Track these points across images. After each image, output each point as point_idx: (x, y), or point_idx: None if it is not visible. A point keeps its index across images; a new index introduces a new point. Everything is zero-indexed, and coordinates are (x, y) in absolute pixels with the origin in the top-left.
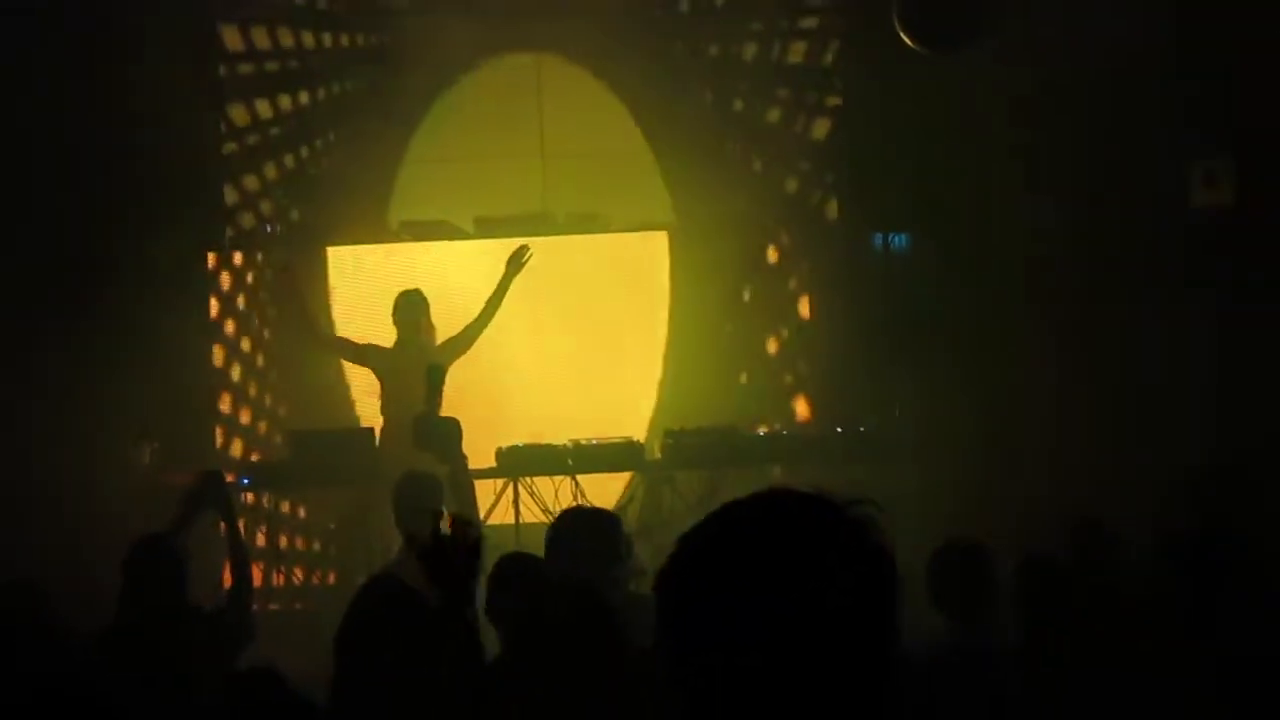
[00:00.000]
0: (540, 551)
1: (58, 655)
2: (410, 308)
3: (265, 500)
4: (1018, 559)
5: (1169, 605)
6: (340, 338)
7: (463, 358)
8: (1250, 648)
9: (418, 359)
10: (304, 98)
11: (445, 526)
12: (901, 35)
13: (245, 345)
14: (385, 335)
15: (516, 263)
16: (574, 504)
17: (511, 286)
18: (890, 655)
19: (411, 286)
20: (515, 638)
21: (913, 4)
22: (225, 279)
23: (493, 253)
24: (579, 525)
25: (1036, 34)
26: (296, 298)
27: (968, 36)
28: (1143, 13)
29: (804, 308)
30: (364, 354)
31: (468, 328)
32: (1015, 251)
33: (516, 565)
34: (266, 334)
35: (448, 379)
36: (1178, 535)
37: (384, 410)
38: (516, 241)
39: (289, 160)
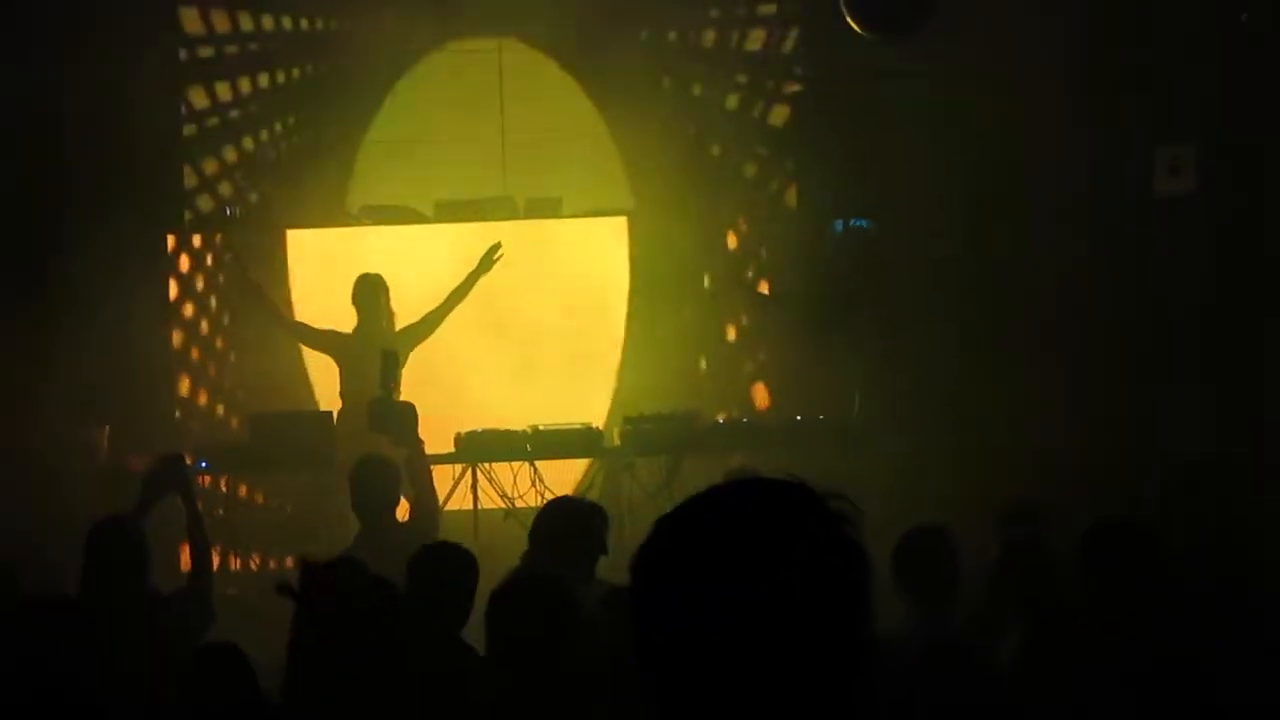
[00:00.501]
0: (494, 536)
1: (37, 639)
2: (369, 291)
3: (223, 484)
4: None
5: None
6: (299, 322)
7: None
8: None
9: (375, 343)
10: (264, 80)
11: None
12: (849, 20)
13: (204, 328)
14: (344, 319)
15: (488, 261)
16: (533, 490)
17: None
18: (862, 646)
19: (370, 270)
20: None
21: None
22: (184, 261)
23: (452, 237)
24: (562, 517)
25: (999, 20)
26: (250, 286)
27: (913, 20)
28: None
29: (764, 295)
30: (322, 338)
31: (428, 315)
32: (979, 238)
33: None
34: (225, 317)
35: (406, 364)
36: (1096, 526)
37: (342, 394)
38: (475, 227)
39: (248, 143)
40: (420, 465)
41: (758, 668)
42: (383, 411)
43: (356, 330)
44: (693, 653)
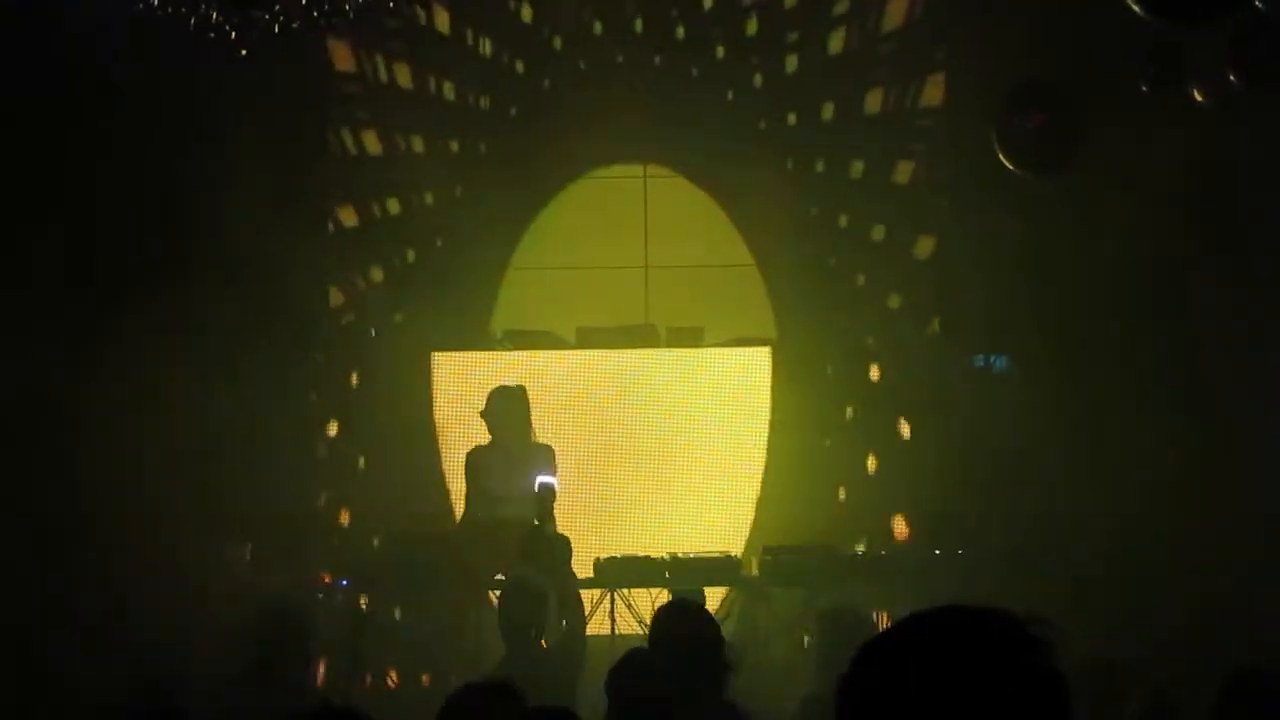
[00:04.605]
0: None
1: None
2: (503, 402)
3: (362, 602)
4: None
5: None
6: (468, 501)
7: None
8: None
9: (506, 454)
10: (411, 202)
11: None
12: (1001, 157)
13: (346, 445)
14: (485, 437)
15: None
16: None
17: (615, 399)
18: None
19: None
20: None
21: (1013, 128)
22: (328, 379)
23: (593, 363)
24: (681, 621)
25: (1143, 156)
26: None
27: (1065, 159)
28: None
29: (904, 427)
30: (475, 479)
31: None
32: (1121, 372)
33: None
34: (368, 435)
35: None
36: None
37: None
38: (617, 354)
39: (394, 264)
40: (572, 596)
41: None
42: (534, 544)
43: (493, 443)
44: None
